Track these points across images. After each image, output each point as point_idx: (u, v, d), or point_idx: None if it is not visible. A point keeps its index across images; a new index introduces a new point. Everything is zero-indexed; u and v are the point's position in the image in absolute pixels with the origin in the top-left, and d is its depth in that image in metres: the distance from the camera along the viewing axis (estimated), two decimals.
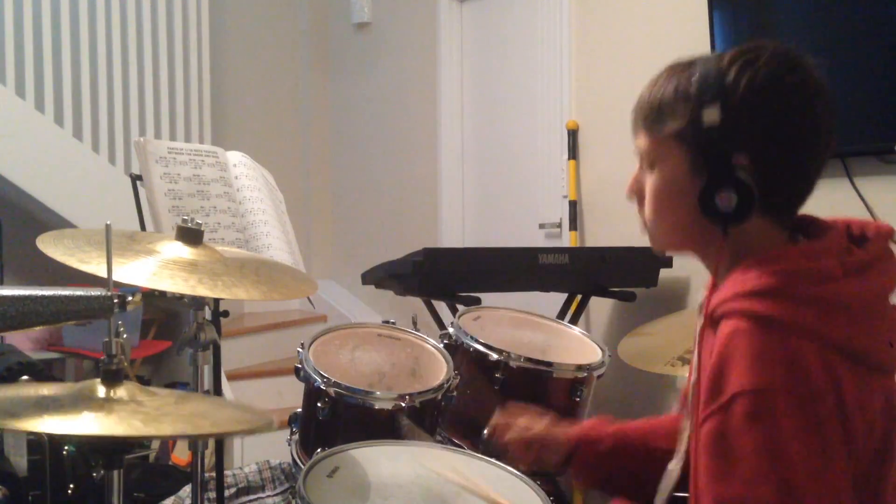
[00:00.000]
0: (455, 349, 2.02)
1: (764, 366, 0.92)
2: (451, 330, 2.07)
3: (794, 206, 1.06)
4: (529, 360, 1.98)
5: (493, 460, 1.53)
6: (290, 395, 2.58)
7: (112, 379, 1.12)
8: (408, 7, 4.22)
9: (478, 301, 2.53)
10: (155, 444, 3.34)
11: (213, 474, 2.31)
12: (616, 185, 3.27)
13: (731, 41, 2.66)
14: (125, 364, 1.14)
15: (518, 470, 1.46)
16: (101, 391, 1.11)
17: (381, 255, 3.05)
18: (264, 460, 2.75)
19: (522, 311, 2.31)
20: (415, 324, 2.13)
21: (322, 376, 1.77)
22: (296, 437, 1.91)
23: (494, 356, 1.97)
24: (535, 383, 2.02)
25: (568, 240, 3.37)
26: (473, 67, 3.96)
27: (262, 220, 2.15)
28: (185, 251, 1.48)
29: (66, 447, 2.31)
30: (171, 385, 3.58)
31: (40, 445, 2.32)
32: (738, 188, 1.00)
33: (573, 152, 3.37)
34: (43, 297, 1.10)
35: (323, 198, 4.78)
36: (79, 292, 1.12)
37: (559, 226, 3.45)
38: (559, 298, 3.00)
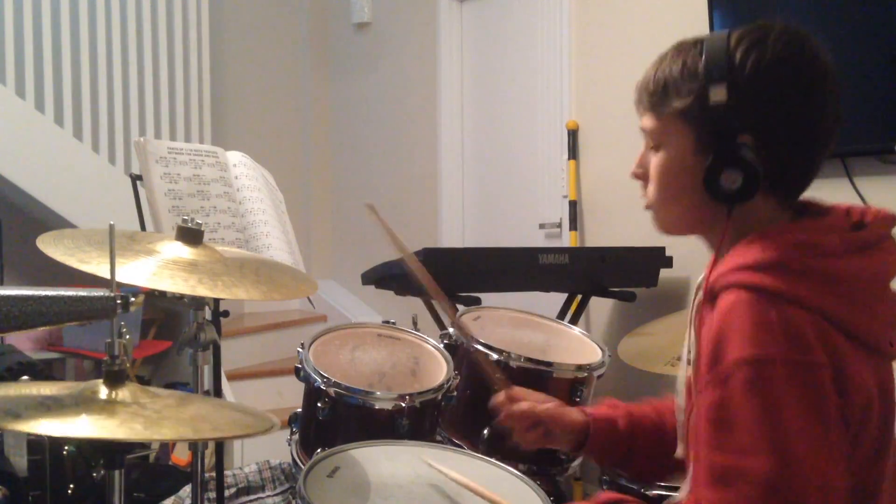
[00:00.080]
0: (455, 349, 2.02)
1: (763, 336, 0.92)
2: (451, 330, 2.07)
3: (799, 186, 1.06)
4: (529, 360, 1.97)
5: (492, 460, 1.53)
6: (290, 395, 2.58)
7: (115, 380, 1.12)
8: (408, 7, 4.22)
9: (478, 301, 2.53)
10: (155, 445, 3.34)
11: (213, 474, 2.31)
12: (616, 185, 3.27)
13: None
14: (127, 365, 1.14)
15: (521, 454, 1.46)
16: (103, 392, 1.11)
17: (381, 255, 3.04)
18: (264, 460, 2.75)
19: (522, 311, 2.31)
20: (415, 324, 2.13)
21: (322, 376, 1.77)
22: (296, 437, 1.91)
23: (494, 356, 1.97)
24: (535, 383, 2.01)
25: (568, 240, 3.37)
26: (473, 67, 3.96)
27: (262, 220, 2.15)
28: (185, 251, 1.48)
29: (66, 447, 2.32)
30: (171, 385, 3.58)
31: (40, 445, 2.32)
32: (742, 167, 1.00)
33: (573, 152, 3.37)
34: (46, 297, 1.10)
35: (323, 198, 4.78)
36: (82, 293, 1.12)
37: (559, 226, 3.45)
38: (559, 298, 3.00)
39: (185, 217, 1.53)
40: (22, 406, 1.04)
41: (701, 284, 1.07)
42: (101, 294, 1.13)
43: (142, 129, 3.77)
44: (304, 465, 1.52)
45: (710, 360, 0.96)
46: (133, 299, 1.14)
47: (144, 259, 1.41)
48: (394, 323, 2.10)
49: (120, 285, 1.23)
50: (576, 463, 2.10)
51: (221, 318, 2.10)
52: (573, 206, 3.36)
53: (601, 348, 2.14)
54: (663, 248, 2.78)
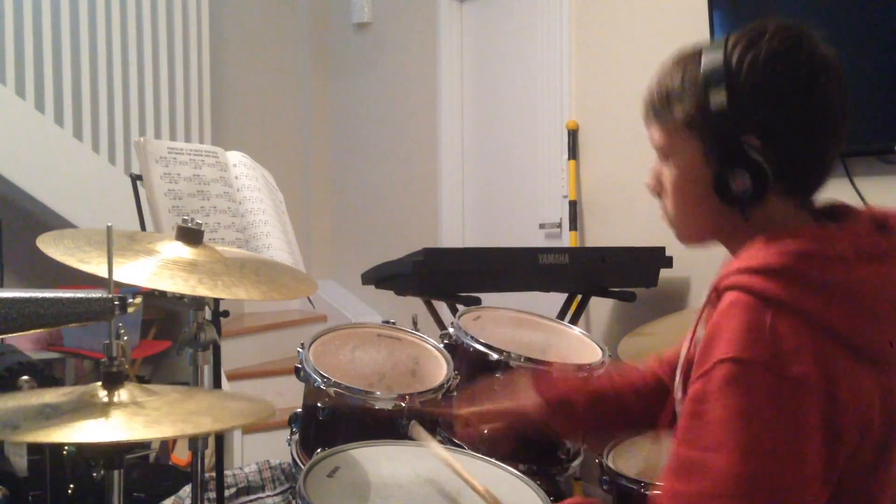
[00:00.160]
0: (455, 349, 2.02)
1: (752, 339, 0.91)
2: (451, 330, 2.07)
3: (813, 184, 1.05)
4: (529, 360, 1.97)
5: (492, 460, 1.53)
6: (290, 395, 2.58)
7: (113, 381, 1.12)
8: (408, 7, 4.22)
9: (478, 301, 2.53)
10: (155, 444, 3.34)
11: (213, 474, 2.31)
12: (616, 185, 3.27)
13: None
14: (126, 366, 1.14)
15: (521, 454, 1.47)
16: (102, 395, 1.11)
17: (381, 255, 3.05)
18: (264, 460, 2.75)
19: (522, 311, 2.31)
20: (415, 324, 2.13)
21: (322, 376, 1.77)
22: (296, 437, 1.91)
23: (494, 356, 1.97)
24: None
25: (568, 240, 3.37)
26: (473, 67, 3.96)
27: (262, 220, 2.15)
28: (185, 251, 1.48)
29: (66, 447, 2.31)
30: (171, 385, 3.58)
31: (40, 445, 2.32)
32: (751, 169, 1.00)
33: (573, 152, 3.37)
34: (43, 299, 1.10)
35: (323, 198, 4.78)
36: (79, 294, 1.12)
37: (559, 226, 3.45)
38: (559, 298, 3.00)
39: (185, 217, 1.53)
40: (20, 417, 1.04)
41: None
42: (99, 296, 1.13)
43: (142, 129, 3.77)
44: (304, 465, 1.52)
45: (700, 357, 0.96)
46: (131, 300, 1.14)
47: (144, 259, 1.41)
48: (394, 323, 2.10)
49: (120, 285, 1.23)
50: (576, 463, 2.10)
51: (221, 318, 2.10)
52: (573, 206, 3.35)
53: (601, 348, 2.14)
54: (663, 248, 2.78)
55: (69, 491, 2.34)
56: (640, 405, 1.36)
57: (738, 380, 0.90)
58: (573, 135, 3.37)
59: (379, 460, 1.45)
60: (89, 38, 3.60)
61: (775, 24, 1.03)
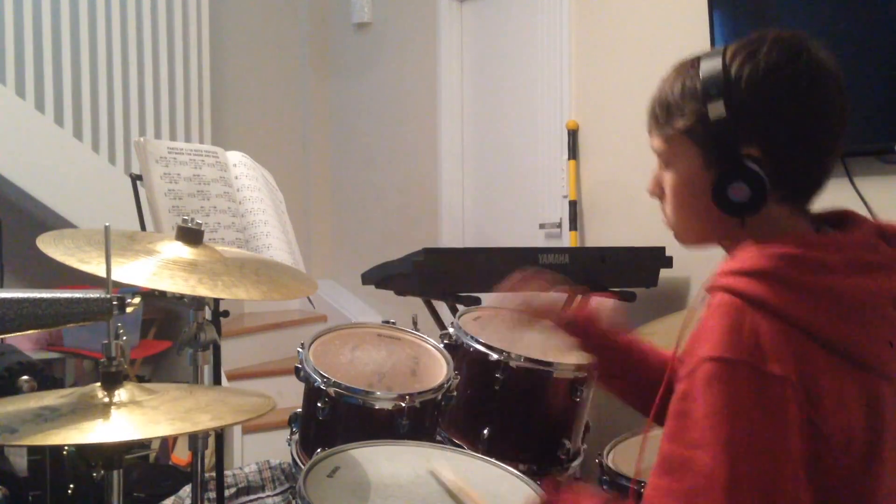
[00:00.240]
0: (455, 349, 2.02)
1: (733, 339, 0.93)
2: (451, 330, 2.07)
3: (811, 192, 1.06)
4: (529, 360, 1.98)
5: (492, 460, 1.53)
6: (290, 395, 2.57)
7: (112, 381, 1.12)
8: (408, 7, 4.22)
9: (478, 301, 2.53)
10: (155, 444, 3.34)
11: (213, 474, 2.31)
12: (616, 185, 3.27)
13: (732, 41, 2.66)
14: (125, 366, 1.14)
15: (521, 454, 1.46)
16: (101, 395, 1.11)
17: (381, 255, 3.05)
18: (264, 460, 2.75)
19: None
20: (415, 324, 2.13)
21: (322, 376, 1.77)
22: (296, 437, 1.91)
23: (494, 356, 1.97)
24: (536, 383, 2.02)
25: (568, 240, 3.36)
26: (473, 67, 3.96)
27: (262, 220, 2.15)
28: (185, 251, 1.48)
29: (66, 447, 2.31)
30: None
31: (40, 446, 2.32)
32: (749, 179, 1.01)
33: (573, 152, 3.36)
34: (43, 299, 1.10)
35: (323, 198, 4.78)
36: (78, 294, 1.12)
37: (559, 226, 3.45)
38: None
39: (185, 217, 1.53)
40: (18, 421, 1.04)
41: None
42: (98, 296, 1.13)
43: (142, 129, 3.77)
44: (304, 465, 1.53)
45: (686, 356, 0.98)
46: (130, 300, 1.14)
47: (144, 259, 1.41)
48: (394, 323, 2.10)
49: (120, 285, 1.23)
50: (576, 463, 2.10)
51: (221, 318, 2.10)
52: (573, 206, 3.35)
53: None
54: (663, 248, 2.78)
55: (69, 491, 2.34)
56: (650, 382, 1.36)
57: (721, 378, 0.92)
58: (573, 135, 3.37)
59: (379, 460, 1.45)
60: (89, 38, 3.60)
61: (774, 35, 1.03)
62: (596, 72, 3.33)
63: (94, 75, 3.62)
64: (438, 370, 1.92)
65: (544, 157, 3.55)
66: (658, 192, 1.16)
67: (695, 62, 1.07)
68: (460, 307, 2.31)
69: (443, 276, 2.61)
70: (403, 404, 1.75)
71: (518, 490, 1.41)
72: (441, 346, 2.02)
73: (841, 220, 1.09)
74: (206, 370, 1.73)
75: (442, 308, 2.89)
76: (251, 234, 2.11)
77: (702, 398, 0.93)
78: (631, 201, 3.12)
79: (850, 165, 2.47)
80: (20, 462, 2.29)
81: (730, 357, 0.93)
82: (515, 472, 1.48)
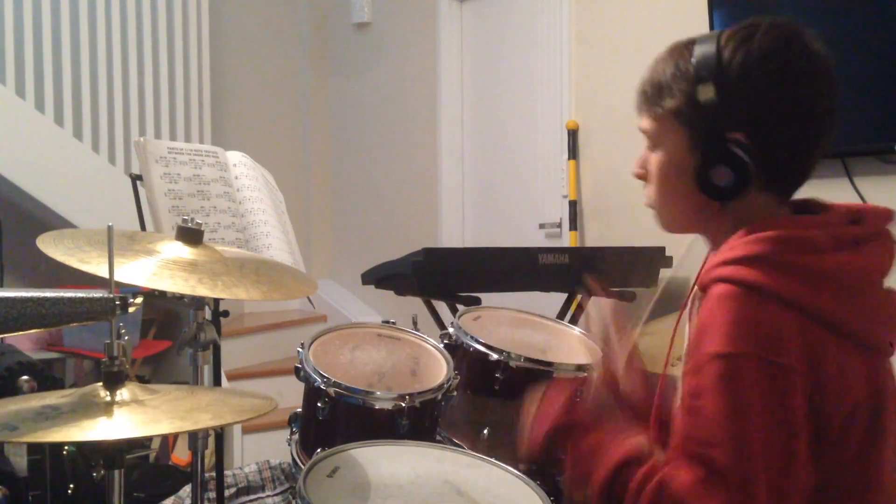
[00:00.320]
0: (455, 349, 2.02)
1: (741, 332, 0.94)
2: (451, 330, 2.07)
3: (795, 181, 1.07)
4: (529, 360, 1.97)
5: (492, 460, 1.53)
6: (290, 395, 2.57)
7: (114, 381, 1.12)
8: (408, 7, 4.22)
9: (478, 301, 2.53)
10: (155, 444, 3.34)
11: (213, 474, 2.31)
12: (616, 185, 3.27)
13: None
14: (127, 366, 1.14)
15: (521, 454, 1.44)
16: (102, 395, 1.11)
17: (381, 255, 3.04)
18: (264, 460, 2.75)
19: (522, 311, 2.31)
20: (415, 324, 2.13)
21: (322, 376, 1.77)
22: (296, 437, 1.91)
23: (494, 356, 1.96)
24: (536, 383, 2.01)
25: (568, 240, 3.37)
26: (473, 67, 3.96)
27: (262, 220, 2.15)
28: (185, 251, 1.48)
29: (66, 447, 2.31)
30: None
31: (40, 446, 2.32)
32: (733, 164, 1.01)
33: (573, 152, 3.37)
34: (44, 299, 1.10)
35: (323, 198, 4.78)
36: (80, 294, 1.12)
37: (559, 226, 3.45)
38: (559, 298, 3.00)
39: (185, 217, 1.53)
40: (19, 419, 1.04)
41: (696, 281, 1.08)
42: (100, 295, 1.13)
43: (142, 129, 3.77)
44: (304, 465, 1.52)
45: (692, 350, 0.99)
46: (132, 300, 1.14)
47: (144, 259, 1.41)
48: (394, 323, 2.10)
49: (120, 285, 1.23)
50: None
51: (221, 318, 2.10)
52: (573, 206, 3.35)
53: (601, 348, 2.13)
54: (663, 248, 2.77)
55: (69, 491, 2.34)
56: None
57: (729, 375, 0.93)
58: (573, 135, 3.37)
59: (379, 460, 1.45)
60: (89, 38, 3.60)
61: (768, 22, 1.04)
62: (596, 72, 3.33)
63: (94, 75, 3.62)
64: (438, 370, 1.92)
65: (544, 157, 3.55)
66: (643, 173, 1.16)
67: (689, 44, 1.07)
68: (460, 307, 2.31)
69: (443, 276, 2.61)
70: (403, 404, 1.75)
71: (518, 490, 1.41)
72: (441, 346, 2.02)
73: (811, 207, 1.09)
74: (206, 370, 1.73)
75: (442, 308, 2.89)
76: (251, 234, 2.11)
77: (714, 396, 0.93)
78: (631, 201, 3.12)
79: (850, 165, 2.47)
80: (20, 462, 2.29)
81: (737, 351, 0.93)
82: (515, 471, 1.47)
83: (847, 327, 0.97)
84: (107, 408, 1.08)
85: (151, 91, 3.82)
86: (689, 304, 1.12)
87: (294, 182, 4.56)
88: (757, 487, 0.90)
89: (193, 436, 1.71)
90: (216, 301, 2.04)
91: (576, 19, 3.39)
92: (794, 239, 0.99)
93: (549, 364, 1.99)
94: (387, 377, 1.90)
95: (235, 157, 2.21)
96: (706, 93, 1.02)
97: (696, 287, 1.08)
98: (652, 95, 1.10)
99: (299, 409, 1.91)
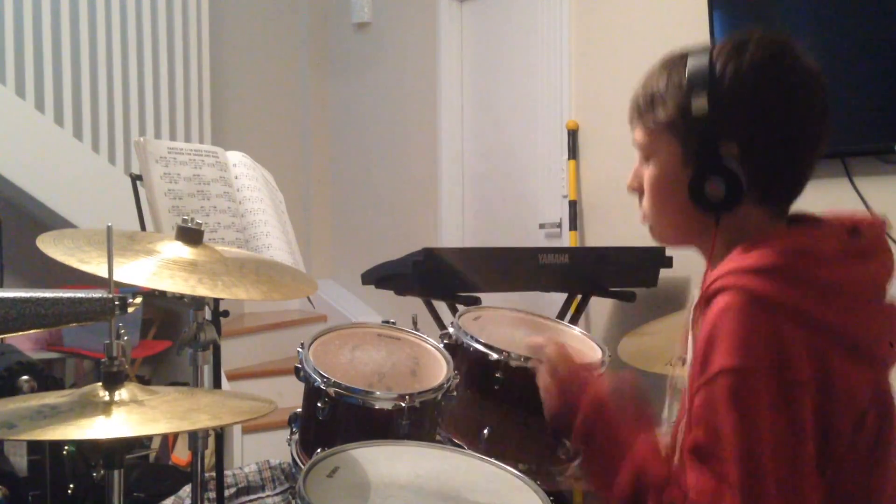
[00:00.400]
0: (455, 349, 2.02)
1: (749, 345, 0.93)
2: (451, 330, 2.07)
3: (789, 194, 1.07)
4: (529, 360, 1.97)
5: (492, 460, 1.53)
6: (290, 395, 2.57)
7: (113, 381, 1.12)
8: (408, 7, 4.22)
9: (478, 301, 2.53)
10: (155, 444, 3.34)
11: (213, 474, 2.31)
12: (616, 185, 3.27)
13: None
14: (126, 366, 1.14)
15: (521, 454, 1.44)
16: (102, 395, 1.11)
17: (381, 255, 3.04)
18: (264, 460, 2.75)
19: (522, 311, 2.31)
20: (415, 324, 2.13)
21: (322, 376, 1.77)
22: (296, 437, 1.91)
23: (494, 356, 1.96)
24: (536, 383, 2.01)
25: (568, 240, 3.37)
26: (473, 67, 3.96)
27: (262, 220, 2.15)
28: (185, 251, 1.48)
29: (66, 447, 2.31)
30: (171, 385, 3.58)
31: (40, 445, 2.32)
32: (726, 176, 1.01)
33: (573, 152, 3.37)
34: (44, 299, 1.10)
35: (323, 198, 4.78)
36: (80, 294, 1.12)
37: (559, 226, 3.45)
38: (559, 298, 3.00)
39: (185, 217, 1.53)
40: (17, 417, 1.04)
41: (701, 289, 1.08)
42: (99, 295, 1.13)
43: (142, 129, 3.77)
44: (303, 465, 1.52)
45: (700, 363, 0.97)
46: (132, 300, 1.14)
47: (144, 259, 1.41)
48: (394, 323, 2.10)
49: (120, 285, 1.23)
50: (576, 463, 2.10)
51: (221, 318, 2.10)
52: (573, 206, 3.35)
53: (601, 348, 2.13)
54: (663, 248, 2.77)
55: (69, 491, 2.34)
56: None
57: (740, 391, 0.93)
58: (573, 135, 3.37)
59: (379, 460, 1.45)
60: (89, 38, 3.60)
61: (760, 35, 1.04)
62: (596, 72, 3.33)
63: (94, 75, 3.62)
64: (438, 370, 1.92)
65: (544, 157, 3.55)
66: (637, 186, 1.17)
67: (682, 57, 1.07)
68: (460, 307, 2.31)
69: (443, 276, 2.61)
70: (403, 404, 1.75)
71: (518, 490, 1.41)
72: (441, 346, 2.02)
73: (804, 220, 1.09)
74: (206, 370, 1.73)
75: (442, 308, 2.89)
76: (251, 234, 2.11)
77: (726, 412, 0.93)
78: (631, 201, 3.09)
79: (850, 165, 2.47)
80: (20, 462, 2.29)
81: (747, 365, 0.93)
82: (515, 472, 1.47)
83: (853, 339, 0.97)
84: (105, 408, 1.08)
85: (151, 91, 3.82)
86: (691, 313, 1.11)
87: (294, 182, 4.56)
88: (768, 502, 0.91)
89: (193, 436, 1.71)
90: (216, 301, 2.04)
91: (576, 19, 3.39)
92: (805, 251, 0.98)
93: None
94: (387, 377, 1.90)
95: (235, 157, 2.21)
96: (699, 105, 1.02)
97: (699, 298, 1.07)
98: (645, 107, 1.10)
99: (299, 409, 1.91)
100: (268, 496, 2.64)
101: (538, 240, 3.54)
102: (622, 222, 3.18)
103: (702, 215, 1.06)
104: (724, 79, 1.02)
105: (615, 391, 1.22)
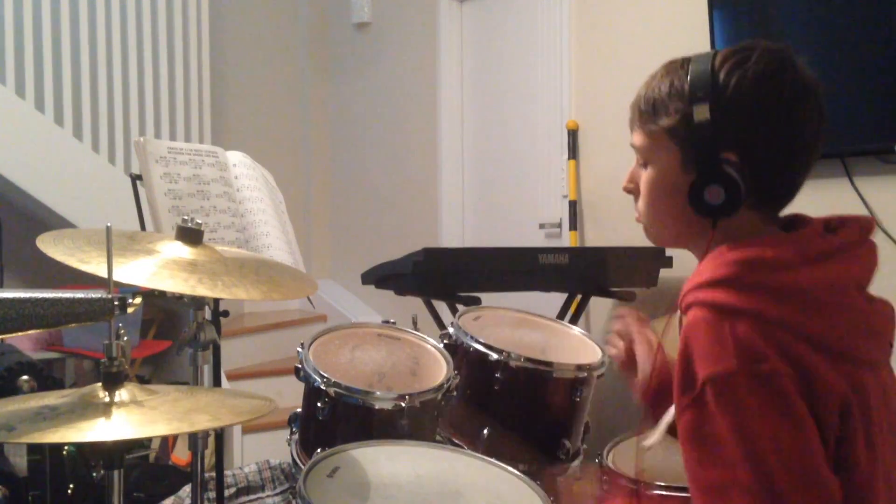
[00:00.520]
0: (455, 349, 2.02)
1: (721, 351, 0.96)
2: (451, 330, 2.07)
3: (782, 201, 1.10)
4: (529, 360, 1.97)
5: (492, 460, 1.53)
6: (290, 395, 2.58)
7: (113, 381, 1.12)
8: (408, 7, 4.22)
9: (478, 301, 2.53)
10: (155, 444, 3.34)
11: (213, 474, 2.31)
12: (616, 185, 3.25)
13: (731, 41, 2.67)
14: (126, 366, 1.14)
15: (521, 454, 1.44)
16: (101, 395, 1.11)
17: (381, 255, 3.05)
18: (264, 460, 2.75)
19: (522, 311, 2.31)
20: (415, 324, 2.13)
21: (322, 376, 1.77)
22: (296, 437, 1.91)
23: (494, 356, 1.97)
24: (536, 383, 2.02)
25: (568, 240, 3.37)
26: (473, 67, 3.96)
27: (261, 219, 2.15)
28: (185, 251, 1.48)
29: (66, 447, 2.31)
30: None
31: (40, 446, 2.32)
32: (725, 183, 1.04)
33: (573, 152, 3.37)
34: (43, 299, 1.10)
35: (323, 198, 4.78)
36: (79, 294, 1.12)
37: (559, 226, 3.45)
38: (559, 298, 3.00)
39: (185, 217, 1.53)
40: (17, 419, 1.04)
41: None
42: (99, 296, 1.13)
43: (142, 129, 3.77)
44: (304, 465, 1.53)
45: (682, 380, 0.99)
46: (131, 300, 1.14)
47: (144, 259, 1.41)
48: (394, 323, 2.10)
49: (120, 285, 1.23)
50: (576, 463, 2.10)
51: (221, 318, 2.10)
52: (573, 206, 3.35)
53: (601, 348, 2.13)
54: (663, 248, 2.78)
55: (69, 491, 2.34)
56: None
57: (725, 395, 0.95)
58: (573, 135, 3.37)
59: (379, 460, 1.45)
60: (89, 38, 3.60)
61: (763, 47, 1.07)
62: (596, 72, 3.33)
63: (94, 75, 3.62)
64: (438, 370, 1.92)
65: (544, 157, 3.55)
66: (633, 188, 1.20)
67: (685, 63, 1.10)
68: (460, 307, 2.31)
69: (443, 276, 2.61)
70: (403, 404, 1.75)
71: (518, 490, 1.41)
72: (441, 346, 2.02)
73: (794, 222, 1.12)
74: (206, 370, 1.73)
75: (442, 308, 2.89)
76: (251, 234, 2.11)
77: (719, 419, 0.95)
78: (631, 201, 3.11)
79: (850, 165, 2.47)
80: (20, 462, 2.29)
81: (723, 371, 0.95)
82: (515, 471, 1.48)
83: (820, 340, 0.98)
84: (105, 409, 1.08)
85: (151, 91, 3.82)
86: (668, 321, 1.14)
87: (294, 182, 4.56)
88: (789, 491, 0.92)
89: (193, 436, 1.71)
90: (216, 301, 2.04)
91: (576, 19, 3.39)
92: (758, 259, 1.01)
93: (549, 364, 1.99)
94: (387, 377, 1.90)
95: (235, 157, 2.21)
96: (702, 112, 1.04)
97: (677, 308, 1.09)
98: (646, 112, 1.12)
99: (299, 409, 1.91)
100: (268, 496, 2.64)
101: (538, 240, 3.54)
102: (622, 222, 3.18)
103: (697, 219, 1.08)
104: (727, 88, 1.04)
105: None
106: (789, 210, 1.12)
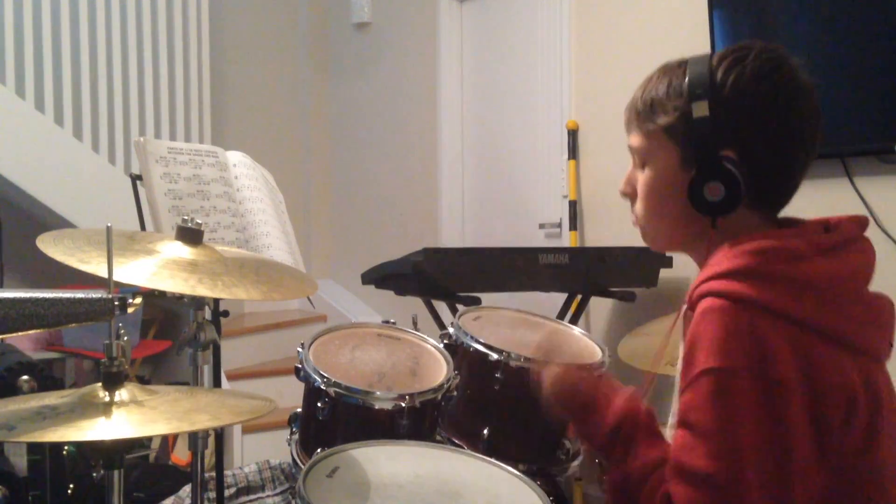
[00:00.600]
0: (455, 349, 2.02)
1: (730, 346, 0.95)
2: (451, 330, 2.07)
3: (780, 200, 1.11)
4: (529, 360, 1.97)
5: (492, 460, 1.53)
6: (290, 395, 2.58)
7: (113, 381, 1.12)
8: (408, 7, 4.22)
9: (478, 301, 2.53)
10: (155, 444, 3.34)
11: (213, 474, 2.31)
12: (616, 185, 3.25)
13: (731, 41, 2.67)
14: (126, 366, 1.14)
15: (521, 454, 1.45)
16: (101, 395, 1.11)
17: (381, 255, 3.05)
18: (264, 460, 2.75)
19: (522, 311, 2.31)
20: (415, 324, 2.13)
21: (322, 376, 1.77)
22: (296, 437, 1.91)
23: (494, 356, 1.97)
24: (535, 383, 2.01)
25: (568, 240, 3.37)
26: (473, 67, 3.96)
27: (261, 219, 2.15)
28: (185, 251, 1.48)
29: (66, 447, 2.31)
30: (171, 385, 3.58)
31: (40, 446, 2.31)
32: (725, 179, 1.05)
33: (573, 152, 3.37)
34: (43, 299, 1.10)
35: (323, 198, 4.78)
36: (79, 294, 1.12)
37: (559, 226, 3.45)
38: (559, 298, 3.00)
39: (185, 217, 1.53)
40: (17, 418, 1.04)
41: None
42: (99, 296, 1.13)
43: (142, 129, 3.77)
44: (303, 465, 1.53)
45: (685, 365, 1.00)
46: (131, 300, 1.14)
47: (144, 259, 1.41)
48: (394, 323, 2.10)
49: (120, 285, 1.23)
50: (576, 463, 2.10)
51: (221, 318, 2.10)
52: (573, 206, 3.36)
53: (601, 348, 2.14)
54: None
55: (69, 491, 2.34)
56: None
57: (721, 391, 0.95)
58: (573, 135, 3.37)
59: (379, 460, 1.45)
60: (89, 38, 3.60)
61: (760, 47, 1.08)
62: (596, 72, 3.33)
63: (94, 75, 3.62)
64: (438, 370, 1.92)
65: (544, 157, 3.55)
66: (630, 191, 1.20)
67: (682, 64, 1.11)
68: (460, 307, 2.31)
69: (443, 276, 2.61)
70: (403, 404, 1.75)
71: (518, 490, 1.41)
72: (441, 346, 2.02)
73: (790, 223, 1.12)
74: (206, 370, 1.73)
75: (442, 308, 2.89)
76: (251, 234, 2.11)
77: (708, 411, 0.95)
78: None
79: (850, 165, 2.47)
80: (20, 462, 2.29)
81: (728, 366, 0.95)
82: (515, 472, 1.48)
83: (834, 332, 0.99)
84: (105, 408, 1.08)
85: (151, 91, 3.82)
86: (678, 318, 1.13)
87: (294, 182, 4.56)
88: (751, 500, 0.92)
89: (193, 436, 1.71)
90: (216, 301, 2.04)
91: (576, 19, 3.39)
92: (775, 249, 1.01)
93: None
94: (387, 377, 1.90)
95: (235, 157, 2.21)
96: (700, 110, 1.05)
97: (684, 305, 1.09)
98: (644, 112, 1.13)
99: (299, 409, 1.91)
100: (268, 496, 2.64)
101: (538, 240, 3.54)
102: (622, 222, 3.17)
103: (696, 220, 1.08)
104: (725, 86, 1.05)
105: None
106: (789, 211, 1.13)
